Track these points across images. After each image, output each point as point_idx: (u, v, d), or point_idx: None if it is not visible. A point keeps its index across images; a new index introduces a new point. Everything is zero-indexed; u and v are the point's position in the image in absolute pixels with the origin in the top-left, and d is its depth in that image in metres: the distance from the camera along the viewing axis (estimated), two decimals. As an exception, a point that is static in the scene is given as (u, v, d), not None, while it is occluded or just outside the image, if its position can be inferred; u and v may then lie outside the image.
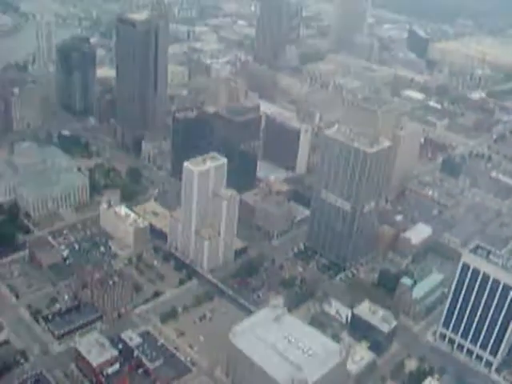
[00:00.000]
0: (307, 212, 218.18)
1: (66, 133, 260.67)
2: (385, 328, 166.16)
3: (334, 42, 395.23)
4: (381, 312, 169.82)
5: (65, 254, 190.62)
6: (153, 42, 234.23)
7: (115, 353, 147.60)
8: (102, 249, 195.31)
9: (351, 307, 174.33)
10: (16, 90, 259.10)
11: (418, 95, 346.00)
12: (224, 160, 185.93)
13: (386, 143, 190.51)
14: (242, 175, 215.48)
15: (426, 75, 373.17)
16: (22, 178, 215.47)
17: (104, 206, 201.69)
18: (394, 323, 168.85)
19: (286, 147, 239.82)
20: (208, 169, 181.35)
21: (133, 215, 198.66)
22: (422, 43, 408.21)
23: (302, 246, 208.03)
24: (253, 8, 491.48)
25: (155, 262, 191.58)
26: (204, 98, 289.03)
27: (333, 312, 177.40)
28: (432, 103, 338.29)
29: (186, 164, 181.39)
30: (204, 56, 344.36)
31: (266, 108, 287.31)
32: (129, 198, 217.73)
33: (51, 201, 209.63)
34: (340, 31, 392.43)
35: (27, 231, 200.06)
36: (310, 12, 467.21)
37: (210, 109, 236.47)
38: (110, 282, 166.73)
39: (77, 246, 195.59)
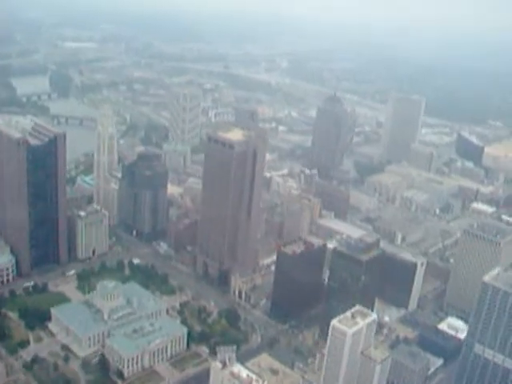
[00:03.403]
0: (437, 361, 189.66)
1: (137, 261, 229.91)
2: None
3: (387, 151, 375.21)
4: None
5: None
6: (250, 164, 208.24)
7: None
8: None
9: None
10: (82, 213, 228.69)
11: (487, 208, 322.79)
12: (374, 316, 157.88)
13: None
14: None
15: (488, 185, 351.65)
16: (109, 327, 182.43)
17: (218, 364, 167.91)
18: None
19: (396, 282, 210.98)
20: (361, 328, 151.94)
21: (255, 377, 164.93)
22: (474, 150, 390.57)
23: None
24: (286, 111, 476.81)
25: None
26: (280, 217, 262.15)
27: None
28: (506, 217, 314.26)
29: (334, 323, 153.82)
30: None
31: (347, 230, 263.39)
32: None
33: (147, 355, 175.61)
34: (393, 140, 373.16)
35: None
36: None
37: (315, 241, 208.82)
38: None
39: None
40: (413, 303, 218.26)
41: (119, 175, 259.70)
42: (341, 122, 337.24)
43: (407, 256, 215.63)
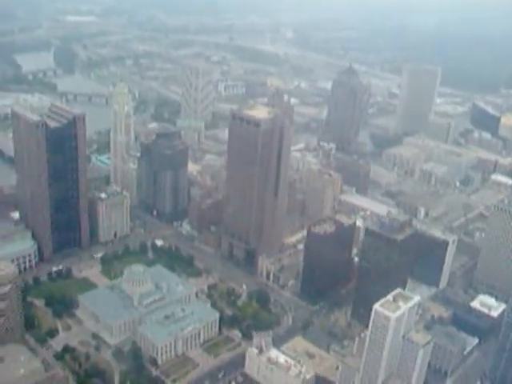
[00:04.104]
0: (472, 340, 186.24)
1: (160, 243, 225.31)
2: None
3: (402, 123, 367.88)
4: None
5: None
6: (276, 142, 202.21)
7: None
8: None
9: None
10: (103, 195, 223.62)
11: (507, 180, 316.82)
12: (417, 298, 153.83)
13: None
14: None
15: (506, 156, 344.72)
16: (140, 313, 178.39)
17: (254, 350, 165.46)
18: None
19: (427, 260, 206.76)
20: (403, 313, 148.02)
21: (293, 362, 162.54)
22: (491, 120, 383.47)
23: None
24: (296, 83, 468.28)
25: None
26: (301, 194, 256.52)
27: None
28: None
29: (377, 307, 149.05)
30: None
31: (370, 206, 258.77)
32: (260, 331, 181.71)
33: (180, 342, 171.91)
34: (408, 111, 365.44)
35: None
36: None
37: (344, 220, 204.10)
38: None
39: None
40: (443, 281, 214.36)
41: (137, 154, 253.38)
42: (357, 94, 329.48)
43: (438, 233, 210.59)
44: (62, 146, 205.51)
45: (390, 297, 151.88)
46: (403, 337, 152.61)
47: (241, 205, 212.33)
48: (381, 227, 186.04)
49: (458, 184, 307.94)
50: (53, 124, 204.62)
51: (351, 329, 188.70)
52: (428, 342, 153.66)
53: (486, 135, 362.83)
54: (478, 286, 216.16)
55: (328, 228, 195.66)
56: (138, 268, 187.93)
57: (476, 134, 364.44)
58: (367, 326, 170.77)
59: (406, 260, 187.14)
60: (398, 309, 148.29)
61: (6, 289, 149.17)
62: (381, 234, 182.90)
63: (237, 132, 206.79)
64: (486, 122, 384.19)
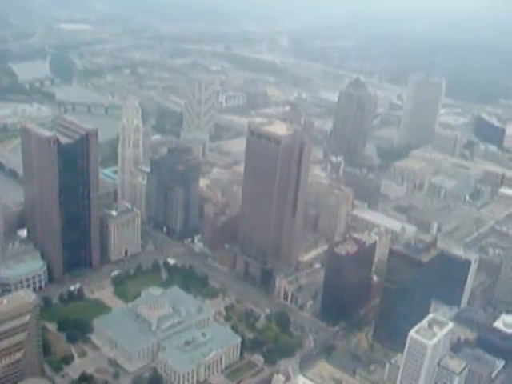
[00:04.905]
0: (498, 363, 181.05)
1: (173, 261, 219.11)
2: None
3: (407, 135, 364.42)
4: None
5: None
6: (296, 159, 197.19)
7: None
8: None
9: None
10: (114, 213, 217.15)
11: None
12: (450, 325, 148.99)
13: None
14: (414, 321, 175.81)
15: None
16: (159, 338, 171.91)
17: (280, 377, 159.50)
18: None
19: (449, 279, 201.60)
20: (439, 339, 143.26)
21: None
22: (495, 132, 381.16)
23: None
24: (296, 94, 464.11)
25: None
26: (313, 210, 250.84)
27: None
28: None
29: (412, 334, 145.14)
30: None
31: (384, 222, 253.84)
32: (283, 355, 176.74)
33: (202, 368, 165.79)
34: (413, 123, 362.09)
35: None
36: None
37: (366, 239, 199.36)
38: None
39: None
40: (464, 300, 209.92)
41: (146, 169, 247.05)
42: (365, 106, 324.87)
43: (460, 252, 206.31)
44: (74, 163, 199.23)
45: (424, 323, 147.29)
46: (438, 364, 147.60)
47: (257, 223, 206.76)
48: (406, 248, 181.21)
49: (467, 198, 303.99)
50: (64, 140, 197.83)
51: (374, 352, 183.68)
52: (463, 369, 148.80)
53: (492, 147, 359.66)
54: (498, 305, 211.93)
55: (350, 248, 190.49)
56: (155, 291, 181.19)
57: (482, 147, 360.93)
58: (390, 349, 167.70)
59: (430, 281, 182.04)
60: (434, 336, 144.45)
61: (26, 319, 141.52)
62: (406, 256, 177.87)
63: (255, 148, 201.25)
64: (490, 133, 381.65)
